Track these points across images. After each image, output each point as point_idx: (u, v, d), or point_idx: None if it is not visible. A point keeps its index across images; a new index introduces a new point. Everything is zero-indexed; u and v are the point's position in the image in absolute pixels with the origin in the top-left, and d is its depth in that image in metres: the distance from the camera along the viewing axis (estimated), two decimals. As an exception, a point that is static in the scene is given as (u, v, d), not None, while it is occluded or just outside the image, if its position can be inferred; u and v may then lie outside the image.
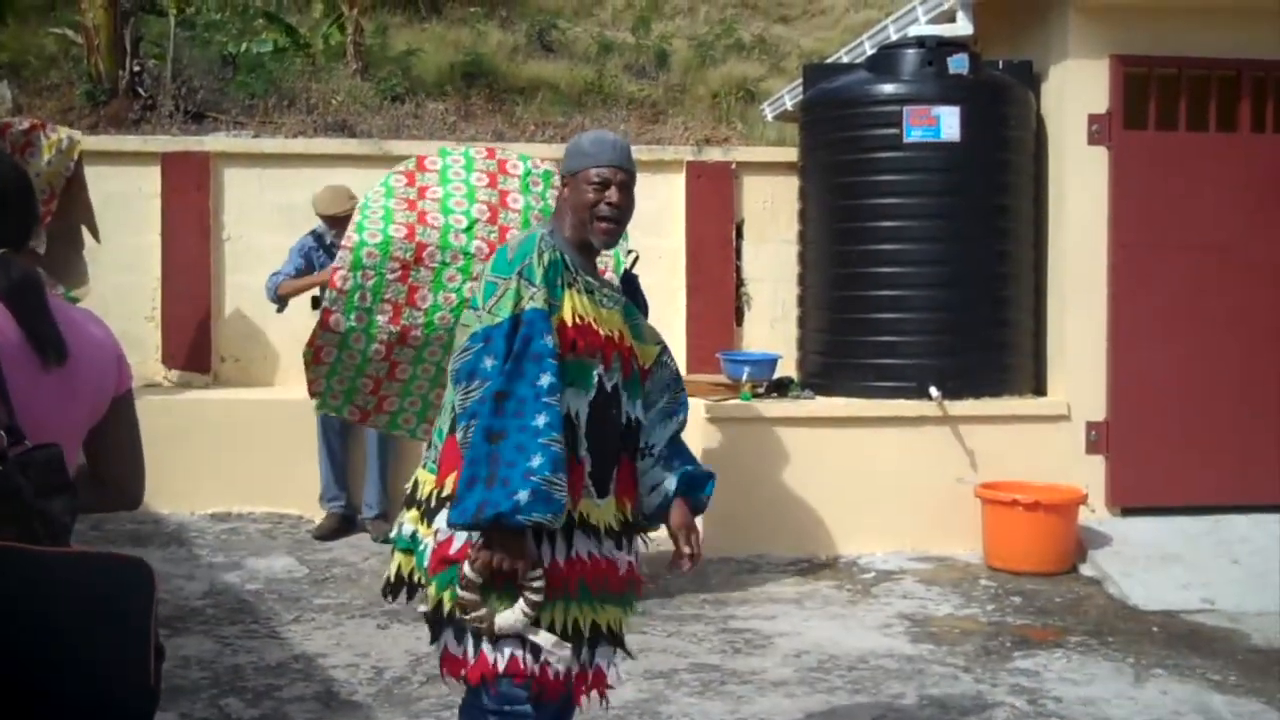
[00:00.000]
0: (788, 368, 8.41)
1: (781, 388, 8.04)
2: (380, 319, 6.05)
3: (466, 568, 3.13)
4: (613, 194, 3.36)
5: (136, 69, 11.01)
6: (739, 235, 9.87)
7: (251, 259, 7.88)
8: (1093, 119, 7.78)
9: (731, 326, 9.78)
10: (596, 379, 3.29)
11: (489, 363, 3.12)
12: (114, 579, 2.19)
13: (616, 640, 3.44)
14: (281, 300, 7.94)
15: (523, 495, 3.01)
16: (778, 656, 5.75)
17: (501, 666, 3.20)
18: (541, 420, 3.06)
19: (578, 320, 3.25)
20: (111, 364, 2.57)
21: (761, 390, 7.91)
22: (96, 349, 2.53)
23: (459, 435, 3.16)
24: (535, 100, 12.42)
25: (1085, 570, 7.24)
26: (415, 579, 3.34)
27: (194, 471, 7.62)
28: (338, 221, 7.76)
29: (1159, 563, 7.13)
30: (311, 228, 8.07)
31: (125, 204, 7.81)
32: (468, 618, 3.17)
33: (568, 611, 3.26)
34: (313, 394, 6.45)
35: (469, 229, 6.02)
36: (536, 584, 3.14)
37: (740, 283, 9.87)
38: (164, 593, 6.53)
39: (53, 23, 12.64)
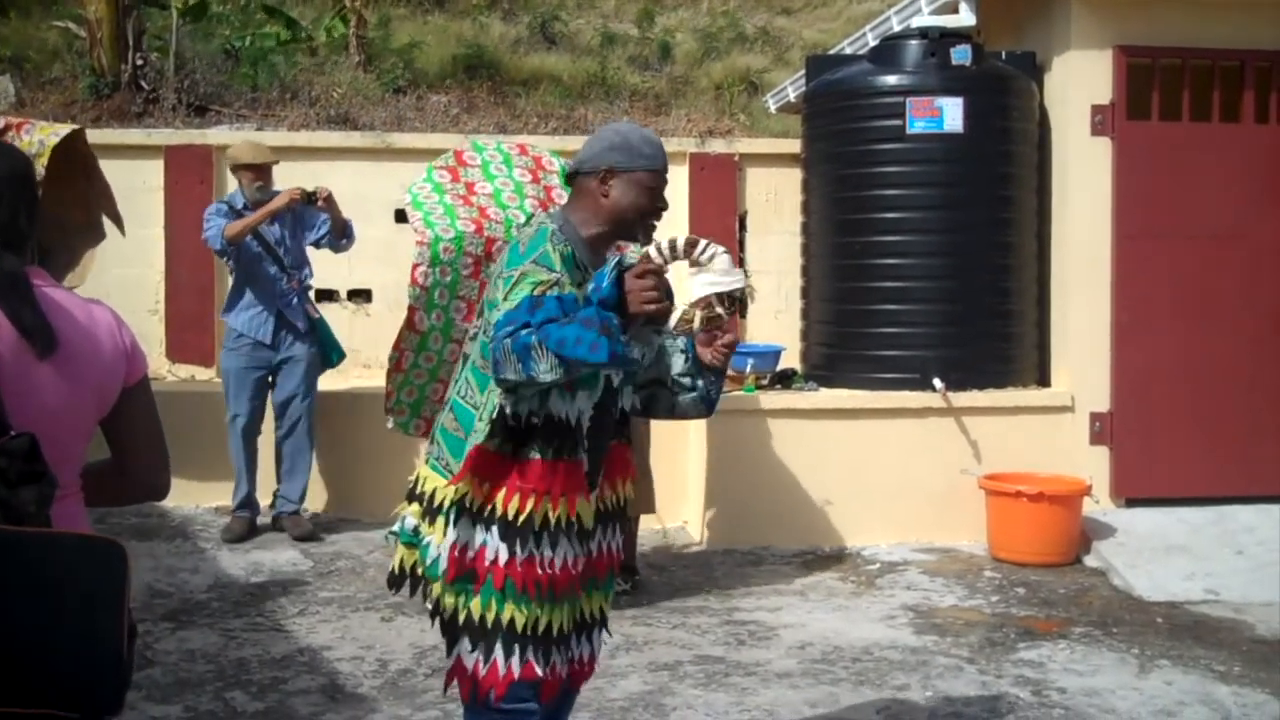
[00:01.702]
0: (791, 360, 8.41)
1: (785, 380, 8.04)
2: (456, 317, 6.05)
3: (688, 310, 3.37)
4: (663, 200, 3.37)
5: (139, 62, 11.02)
6: (742, 227, 9.87)
7: (255, 252, 7.86)
8: (1096, 110, 7.77)
9: (734, 318, 9.76)
10: (604, 378, 3.28)
11: (509, 329, 2.95)
12: (86, 558, 2.24)
13: (600, 623, 3.50)
14: (230, 247, 7.43)
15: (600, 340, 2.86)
16: (782, 648, 5.75)
17: (517, 674, 3.21)
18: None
19: None
20: (120, 354, 2.57)
21: (765, 382, 7.91)
22: (102, 338, 2.53)
23: (541, 376, 2.91)
24: (538, 92, 12.43)
25: (1089, 561, 7.24)
26: (418, 572, 3.33)
27: (199, 465, 7.60)
28: (261, 173, 7.58)
29: (1163, 554, 7.13)
30: (219, 200, 7.75)
31: (128, 197, 7.75)
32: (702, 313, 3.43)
33: (553, 612, 3.27)
34: (388, 410, 6.43)
35: (528, 224, 6.03)
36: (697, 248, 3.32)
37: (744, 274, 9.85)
38: (169, 586, 6.56)
39: (55, 16, 12.67)
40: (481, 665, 3.22)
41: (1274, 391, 7.82)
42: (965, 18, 7.94)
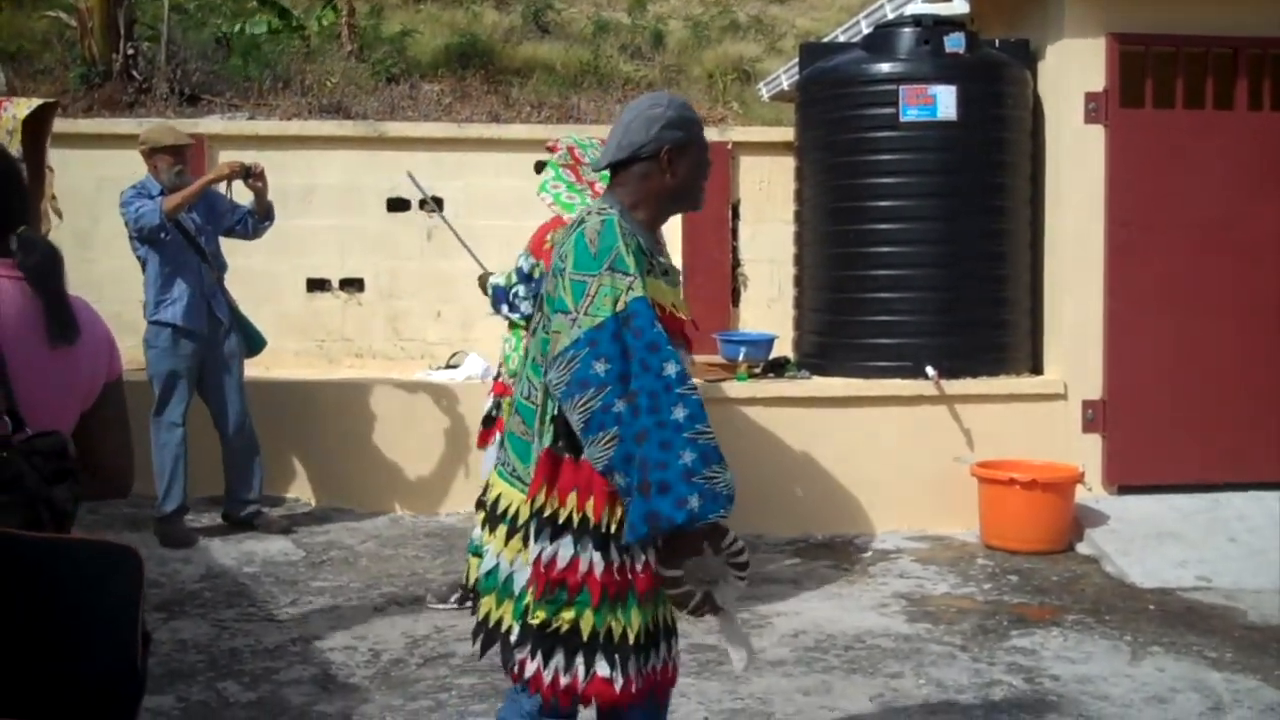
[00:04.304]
0: (784, 348, 8.41)
1: (778, 368, 8.04)
2: None
3: (664, 570, 2.99)
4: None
5: (130, 52, 11.00)
6: (735, 215, 9.86)
7: (246, 242, 7.82)
8: (1089, 97, 7.76)
9: (728, 307, 9.77)
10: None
11: (600, 368, 2.88)
12: (102, 565, 2.19)
13: (673, 627, 3.29)
14: (169, 223, 7.03)
15: (694, 502, 2.83)
16: (775, 636, 5.75)
17: (619, 683, 3.02)
18: (680, 413, 2.85)
19: (657, 310, 3.02)
20: (104, 349, 2.57)
21: (758, 371, 7.90)
22: (92, 332, 2.53)
23: (589, 450, 2.91)
24: (531, 81, 12.41)
25: (1082, 549, 7.24)
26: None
27: (189, 455, 7.55)
28: (179, 156, 7.26)
29: (1155, 541, 7.13)
30: (133, 187, 7.25)
31: (119, 187, 7.74)
32: (688, 611, 3.03)
33: (639, 618, 3.07)
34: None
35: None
36: (737, 549, 2.99)
37: (736, 263, 9.86)
38: (161, 576, 6.54)
39: (46, 5, 12.63)
40: (581, 677, 3.02)
41: (1267, 379, 7.82)
42: (959, 5, 7.91)
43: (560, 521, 3.01)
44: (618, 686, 3.02)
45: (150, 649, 2.28)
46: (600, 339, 2.89)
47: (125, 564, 2.21)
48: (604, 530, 3.00)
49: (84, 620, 2.13)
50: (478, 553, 3.18)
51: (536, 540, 3.03)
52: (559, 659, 3.03)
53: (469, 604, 3.26)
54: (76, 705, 2.12)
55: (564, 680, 3.03)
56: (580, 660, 3.02)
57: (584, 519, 3.00)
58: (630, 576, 3.03)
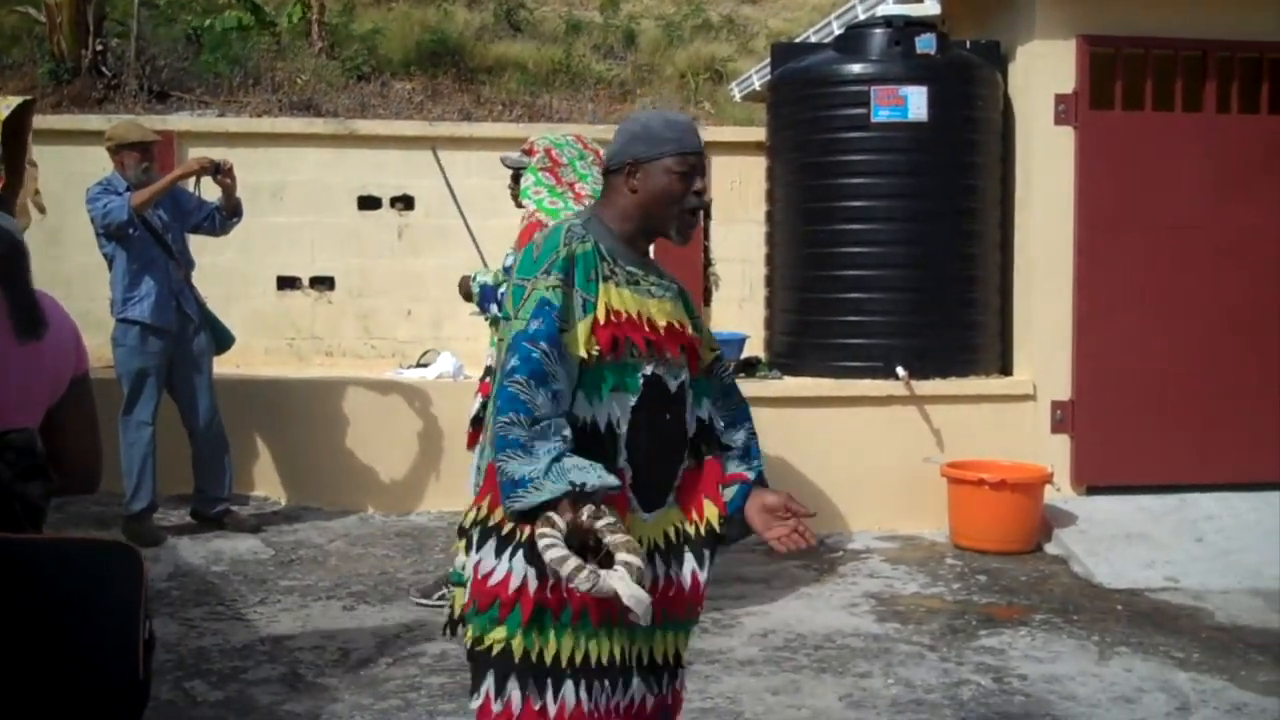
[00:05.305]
0: (755, 348, 8.42)
1: (749, 368, 8.05)
2: None
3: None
4: (698, 184, 3.06)
5: (100, 48, 10.94)
6: (707, 215, 9.85)
7: (215, 240, 7.78)
8: (1059, 99, 7.79)
9: (699, 307, 9.76)
10: (642, 381, 2.92)
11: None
12: (100, 566, 2.13)
13: (671, 668, 3.03)
14: (136, 218, 6.96)
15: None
16: (744, 636, 5.75)
17: (552, 713, 2.81)
18: (497, 402, 2.77)
19: (613, 317, 2.86)
20: (71, 343, 2.55)
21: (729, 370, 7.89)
22: (58, 327, 2.51)
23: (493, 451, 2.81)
24: (502, 80, 12.39)
25: (1050, 549, 7.27)
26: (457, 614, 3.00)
27: (157, 453, 7.50)
28: (146, 153, 7.20)
29: (1124, 541, 7.17)
30: (99, 183, 7.15)
31: (89, 184, 7.70)
32: (576, 583, 2.61)
33: (599, 642, 2.85)
34: None
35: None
36: (605, 524, 2.64)
37: (708, 263, 9.85)
38: (129, 575, 6.49)
39: (15, 1, 12.54)
40: (515, 705, 2.81)
41: (1234, 380, 7.86)
42: (930, 7, 7.94)
43: (503, 533, 2.84)
44: (551, 715, 2.82)
45: (154, 653, 2.20)
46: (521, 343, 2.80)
47: (124, 564, 2.16)
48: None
49: (83, 624, 2.07)
50: (460, 582, 3.00)
51: (478, 549, 2.88)
52: (489, 683, 2.85)
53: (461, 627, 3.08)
54: (76, 714, 2.06)
55: (496, 707, 2.84)
56: (513, 685, 2.83)
57: (513, 529, 2.82)
58: (566, 596, 2.78)
